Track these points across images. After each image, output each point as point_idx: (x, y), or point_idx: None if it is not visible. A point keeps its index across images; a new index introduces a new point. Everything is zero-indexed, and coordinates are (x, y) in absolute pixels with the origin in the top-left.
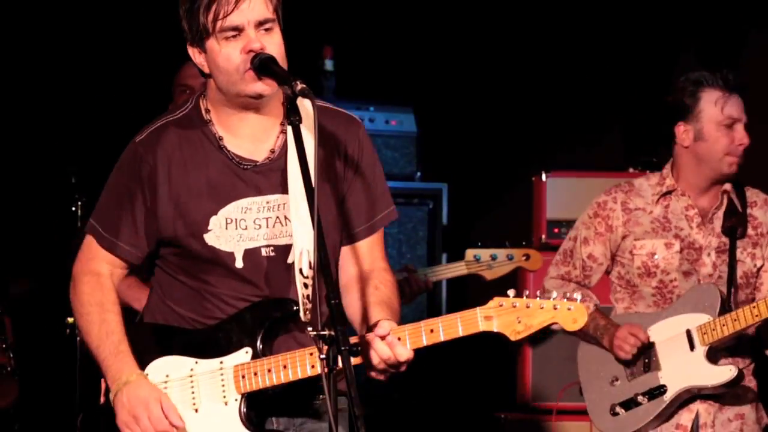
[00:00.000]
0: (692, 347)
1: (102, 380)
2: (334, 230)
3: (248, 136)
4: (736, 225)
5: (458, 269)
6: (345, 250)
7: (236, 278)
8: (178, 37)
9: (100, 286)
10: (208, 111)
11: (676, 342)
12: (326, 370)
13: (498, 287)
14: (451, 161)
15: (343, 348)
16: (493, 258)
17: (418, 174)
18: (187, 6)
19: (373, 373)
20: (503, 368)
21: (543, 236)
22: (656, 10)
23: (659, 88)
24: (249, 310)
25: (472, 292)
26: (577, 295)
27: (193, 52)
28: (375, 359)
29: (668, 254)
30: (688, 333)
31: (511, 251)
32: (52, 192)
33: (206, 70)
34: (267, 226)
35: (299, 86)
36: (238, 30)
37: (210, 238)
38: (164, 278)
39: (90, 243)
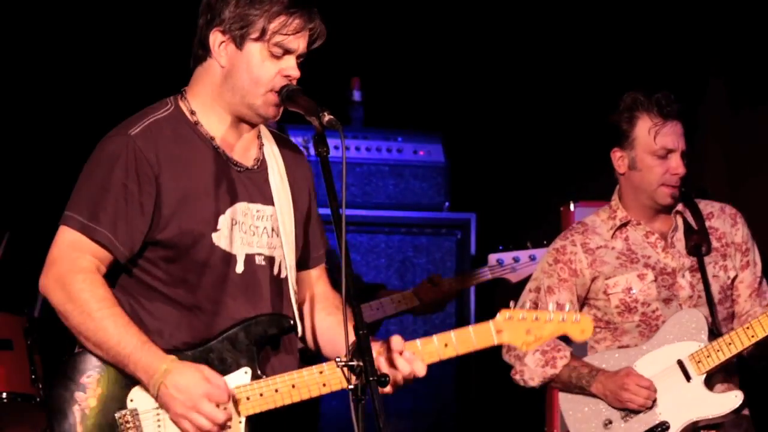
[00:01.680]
0: (688, 378)
1: (75, 407)
2: (300, 250)
3: (236, 141)
4: (699, 243)
5: (483, 275)
6: (302, 274)
7: (233, 286)
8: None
9: (97, 281)
10: (193, 113)
11: (669, 374)
12: (355, 401)
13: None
14: (480, 191)
15: (371, 378)
16: (516, 260)
17: (447, 204)
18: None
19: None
20: (531, 399)
21: None
22: (684, 41)
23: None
24: (243, 328)
25: (499, 298)
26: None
27: (215, 38)
28: (392, 374)
29: (644, 285)
30: (680, 363)
31: (534, 251)
32: None
33: (222, 62)
34: (257, 235)
35: (327, 117)
36: (289, 52)
37: (218, 238)
38: (143, 292)
39: (77, 239)
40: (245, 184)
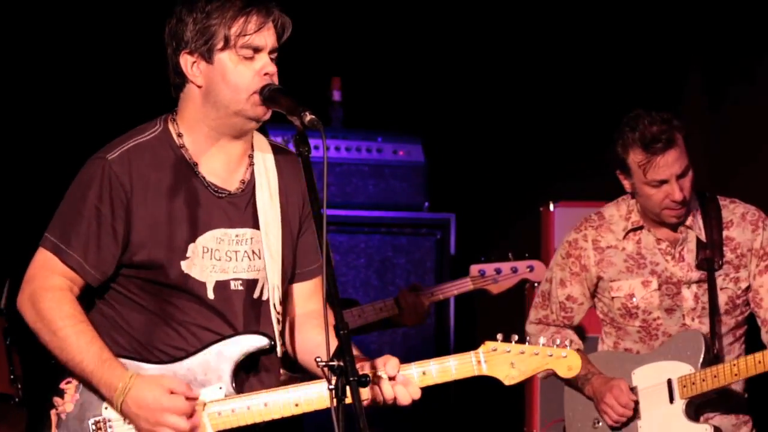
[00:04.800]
0: (671, 399)
1: (52, 412)
2: (290, 267)
3: (221, 165)
4: (711, 257)
5: (464, 286)
6: (298, 287)
7: (207, 308)
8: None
9: (65, 298)
10: (180, 135)
11: (657, 391)
12: (335, 401)
13: (504, 301)
14: (459, 191)
15: (352, 379)
16: (498, 272)
17: (426, 204)
18: (200, 14)
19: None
20: (510, 399)
21: None
22: (663, 40)
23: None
24: (221, 344)
25: (479, 308)
26: (568, 342)
27: (186, 61)
28: (388, 397)
29: (647, 293)
30: (669, 383)
31: (515, 263)
32: None
33: (199, 82)
34: (236, 260)
35: (308, 117)
36: (257, 51)
37: (186, 266)
38: (121, 302)
39: (49, 259)
40: (225, 210)
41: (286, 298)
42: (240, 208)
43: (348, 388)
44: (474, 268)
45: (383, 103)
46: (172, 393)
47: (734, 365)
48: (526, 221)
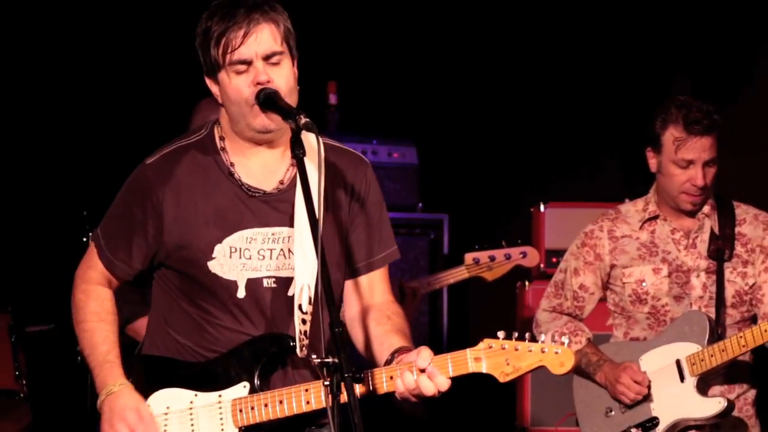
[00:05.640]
0: (682, 378)
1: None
2: (338, 268)
3: (259, 166)
4: (722, 247)
5: (459, 274)
6: (352, 284)
7: (236, 309)
8: (191, 65)
9: (96, 294)
10: (222, 138)
11: (667, 372)
12: (330, 397)
13: (496, 294)
14: (452, 192)
15: (346, 375)
16: (492, 259)
17: (420, 205)
18: (200, 39)
19: (406, 405)
20: (502, 393)
21: (541, 266)
22: (651, 44)
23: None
24: (247, 345)
25: (472, 295)
26: (565, 339)
27: (209, 83)
28: (410, 388)
29: (656, 280)
30: (678, 363)
31: (509, 250)
32: (66, 226)
33: (220, 100)
34: (271, 258)
35: (303, 120)
36: (247, 63)
37: (213, 266)
38: (165, 302)
39: (92, 252)
40: (259, 209)
41: (317, 298)
42: (276, 208)
43: (343, 384)
44: (468, 257)
45: (378, 107)
46: (140, 416)
47: (741, 337)
48: (518, 221)
